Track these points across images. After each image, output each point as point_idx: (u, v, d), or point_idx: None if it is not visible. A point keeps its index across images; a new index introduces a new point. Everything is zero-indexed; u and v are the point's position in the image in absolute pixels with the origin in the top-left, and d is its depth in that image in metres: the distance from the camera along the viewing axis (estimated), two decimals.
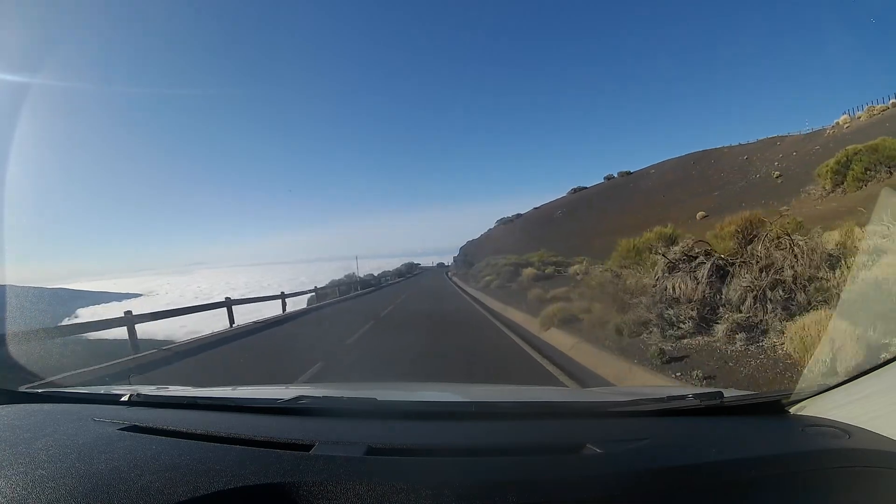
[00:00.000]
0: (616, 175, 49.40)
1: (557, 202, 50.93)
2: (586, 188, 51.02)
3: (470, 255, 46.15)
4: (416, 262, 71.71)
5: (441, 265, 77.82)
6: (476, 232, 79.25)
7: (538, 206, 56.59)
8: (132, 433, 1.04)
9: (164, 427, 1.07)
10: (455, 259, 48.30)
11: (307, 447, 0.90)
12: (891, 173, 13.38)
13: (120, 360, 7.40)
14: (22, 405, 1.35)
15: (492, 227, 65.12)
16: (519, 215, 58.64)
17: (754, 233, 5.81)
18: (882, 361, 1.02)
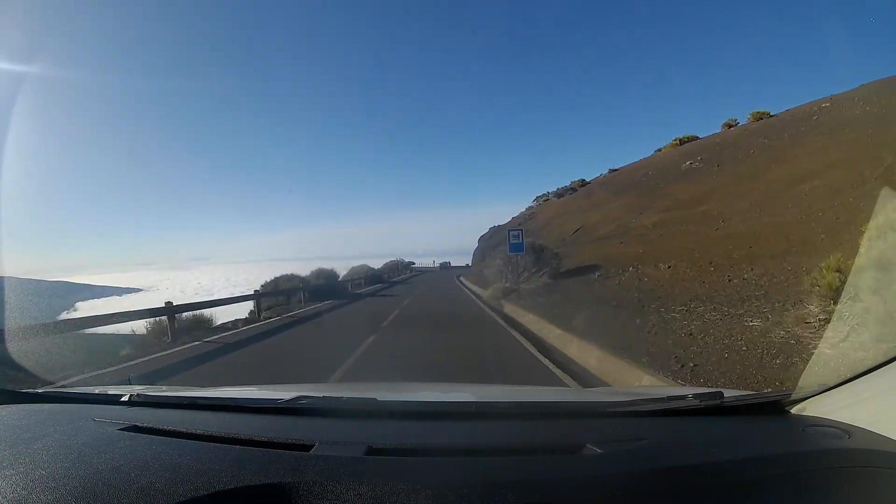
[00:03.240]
0: (740, 122, 27.65)
1: (669, 155, 29.39)
2: (699, 138, 30.76)
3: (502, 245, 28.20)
4: (409, 262, 53.56)
5: (445, 266, 58.54)
6: (495, 221, 55.36)
7: (617, 167, 35.54)
8: (132, 433, 1.04)
9: (165, 427, 1.07)
10: (482, 254, 30.01)
11: (307, 447, 0.91)
12: None
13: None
14: (22, 405, 1.35)
15: (531, 204, 43.81)
16: (583, 182, 37.26)
17: None
18: (882, 361, 1.02)
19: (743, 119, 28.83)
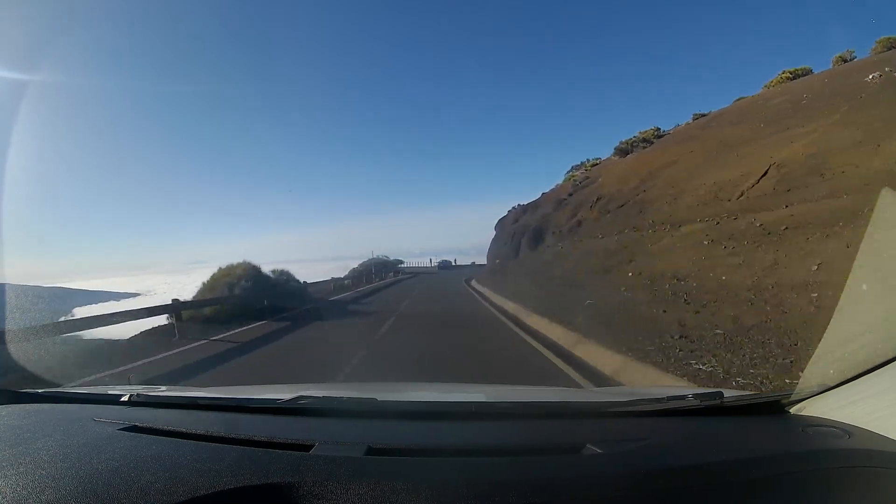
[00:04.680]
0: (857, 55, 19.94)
1: (803, 82, 19.60)
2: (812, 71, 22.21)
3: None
4: (395, 261, 42.99)
5: (445, 265, 48.91)
6: (507, 206, 41.69)
7: (703, 112, 24.71)
8: (132, 433, 1.04)
9: (164, 427, 1.07)
10: (512, 244, 23.22)
11: (307, 447, 0.91)
12: None
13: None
14: (22, 405, 1.35)
15: (570, 173, 30.98)
16: (659, 132, 26.82)
17: None
18: (882, 361, 1.02)
19: (863, 52, 21.54)
